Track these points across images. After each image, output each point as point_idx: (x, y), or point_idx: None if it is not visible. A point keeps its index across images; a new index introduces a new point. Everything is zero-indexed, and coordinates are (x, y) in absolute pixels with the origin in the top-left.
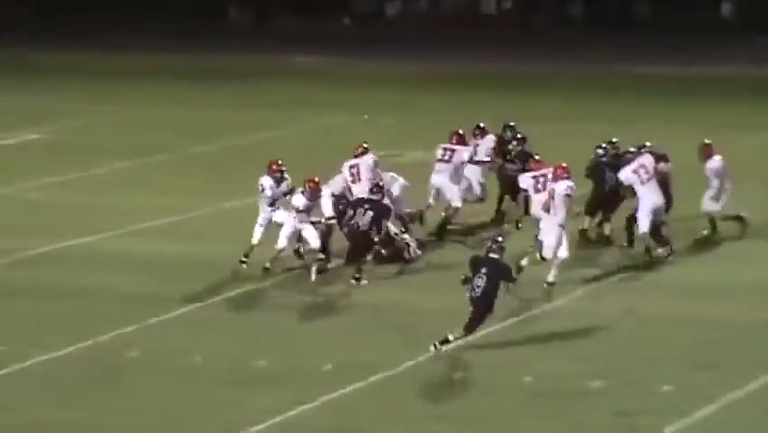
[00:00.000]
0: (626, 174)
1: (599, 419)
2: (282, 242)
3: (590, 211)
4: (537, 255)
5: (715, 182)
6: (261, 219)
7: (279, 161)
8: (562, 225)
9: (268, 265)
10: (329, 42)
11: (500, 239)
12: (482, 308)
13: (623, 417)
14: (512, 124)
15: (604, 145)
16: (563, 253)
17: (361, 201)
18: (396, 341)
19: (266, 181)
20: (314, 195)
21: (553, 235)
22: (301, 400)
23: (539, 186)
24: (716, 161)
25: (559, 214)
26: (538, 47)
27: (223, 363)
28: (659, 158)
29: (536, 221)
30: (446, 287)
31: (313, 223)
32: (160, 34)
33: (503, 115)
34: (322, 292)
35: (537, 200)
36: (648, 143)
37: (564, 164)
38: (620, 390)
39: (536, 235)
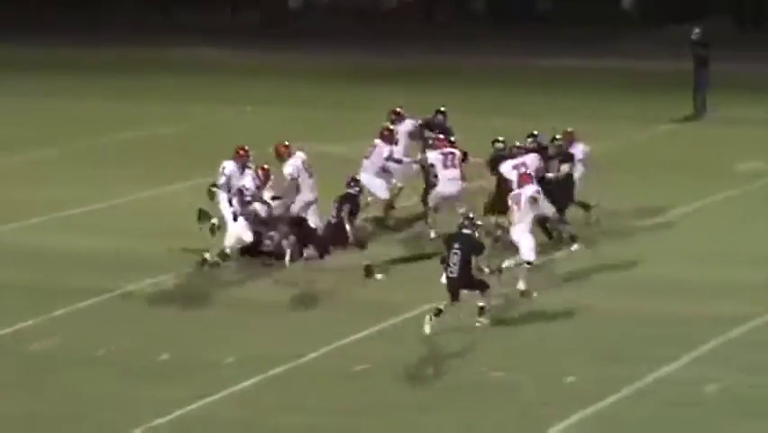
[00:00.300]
0: (506, 168)
1: (501, 411)
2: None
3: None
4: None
5: (580, 168)
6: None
7: (246, 147)
8: (530, 231)
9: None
10: (231, 35)
11: (472, 215)
12: (458, 285)
13: (525, 408)
14: (443, 108)
15: (501, 139)
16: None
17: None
18: (297, 334)
19: (229, 165)
20: (264, 182)
21: (525, 240)
22: (204, 393)
23: (447, 162)
24: (578, 149)
25: (525, 219)
26: (440, 41)
27: (126, 357)
28: (565, 158)
29: (443, 201)
30: (352, 281)
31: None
32: (60, 27)
33: (406, 108)
34: (224, 286)
35: (445, 177)
36: (558, 136)
37: (529, 171)
38: (522, 381)
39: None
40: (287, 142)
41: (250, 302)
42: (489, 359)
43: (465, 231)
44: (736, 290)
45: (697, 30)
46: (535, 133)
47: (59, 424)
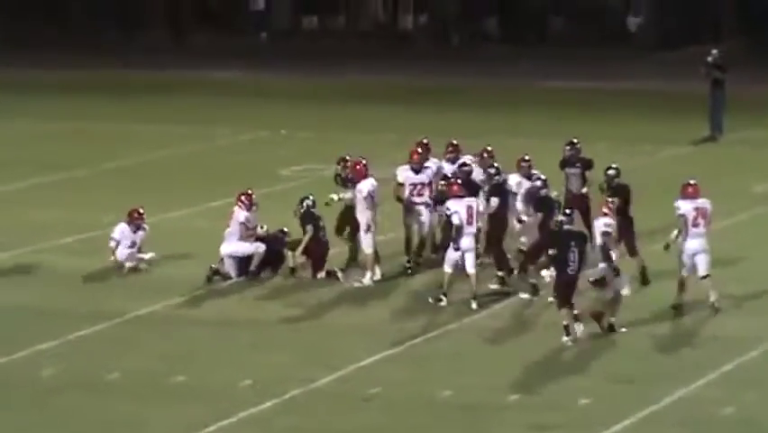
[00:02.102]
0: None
1: (516, 432)
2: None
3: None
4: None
5: None
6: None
7: (250, 191)
8: None
9: None
10: (246, 57)
11: (569, 211)
12: (574, 284)
13: (541, 430)
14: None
15: (615, 166)
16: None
17: None
18: (313, 356)
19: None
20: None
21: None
22: (220, 416)
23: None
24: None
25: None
26: (455, 62)
27: (141, 380)
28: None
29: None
30: (359, 304)
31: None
32: (79, 49)
33: (421, 129)
34: (238, 308)
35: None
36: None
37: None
38: (537, 403)
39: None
40: (364, 161)
41: (265, 324)
42: (503, 380)
43: (570, 228)
44: (754, 311)
45: (713, 51)
46: (575, 140)
47: None
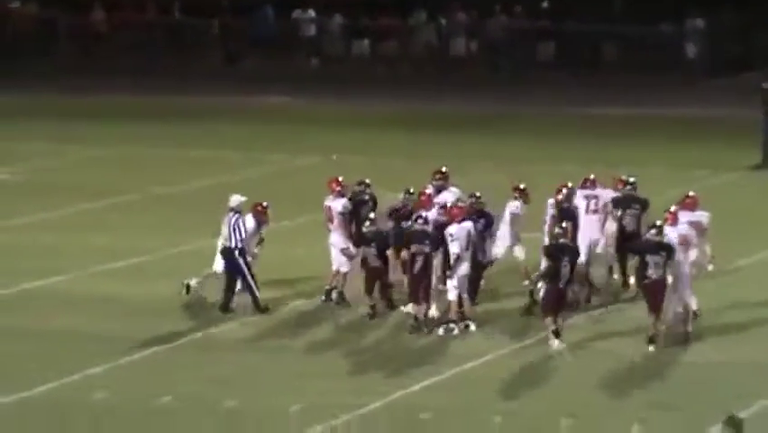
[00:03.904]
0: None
1: None
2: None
3: None
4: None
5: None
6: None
7: (339, 178)
8: None
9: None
10: (297, 83)
11: (564, 225)
12: (563, 297)
13: None
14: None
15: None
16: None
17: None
18: (362, 382)
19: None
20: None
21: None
22: None
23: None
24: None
25: None
26: (507, 88)
27: (192, 404)
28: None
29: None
30: (405, 331)
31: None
32: (129, 74)
33: (471, 155)
34: (290, 333)
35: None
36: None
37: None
38: (586, 428)
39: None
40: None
41: (315, 348)
42: (548, 406)
43: (565, 241)
44: None
45: None
46: (632, 180)
47: None
